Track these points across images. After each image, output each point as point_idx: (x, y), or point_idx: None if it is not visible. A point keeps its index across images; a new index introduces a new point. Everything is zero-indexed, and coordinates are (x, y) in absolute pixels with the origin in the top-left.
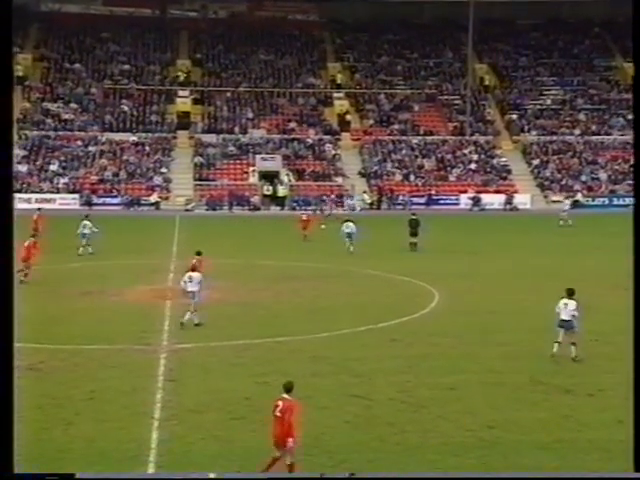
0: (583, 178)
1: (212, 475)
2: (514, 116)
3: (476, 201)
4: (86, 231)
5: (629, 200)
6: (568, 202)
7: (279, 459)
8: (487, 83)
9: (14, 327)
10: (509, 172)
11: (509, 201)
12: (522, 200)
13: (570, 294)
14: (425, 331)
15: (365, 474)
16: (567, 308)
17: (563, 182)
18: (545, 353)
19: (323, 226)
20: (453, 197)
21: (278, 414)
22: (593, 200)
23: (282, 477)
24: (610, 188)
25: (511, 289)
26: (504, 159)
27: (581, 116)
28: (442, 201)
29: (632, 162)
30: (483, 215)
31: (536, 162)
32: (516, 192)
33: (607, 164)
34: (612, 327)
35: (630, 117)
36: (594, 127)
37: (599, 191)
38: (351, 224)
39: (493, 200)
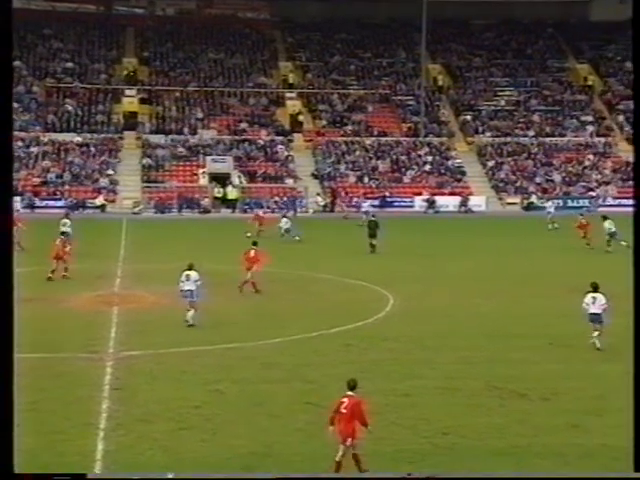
0: (537, 180)
1: (221, 475)
2: (468, 117)
3: (431, 203)
4: (66, 229)
5: (582, 202)
6: (552, 205)
7: (345, 456)
8: (441, 83)
9: (14, 327)
10: (464, 174)
11: (464, 203)
12: (477, 202)
13: (595, 288)
14: (380, 336)
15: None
16: (596, 302)
17: (518, 184)
18: (501, 358)
19: (249, 234)
20: (407, 199)
21: (344, 411)
22: (547, 202)
23: (290, 477)
24: (564, 190)
25: (467, 293)
26: (459, 160)
27: (535, 117)
28: (396, 203)
29: (632, 161)
30: (438, 217)
31: (491, 164)
32: (471, 194)
33: (561, 166)
34: (566, 330)
35: (583, 119)
36: (548, 129)
37: (553, 193)
38: (285, 219)
39: (448, 202)
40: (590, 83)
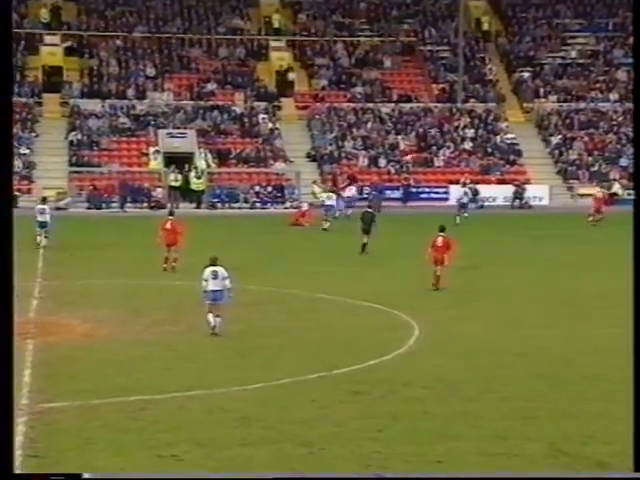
0: (623, 162)
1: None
2: (525, 75)
3: (473, 195)
4: (42, 219)
5: None
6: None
7: None
8: (487, 28)
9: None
10: (519, 154)
11: (519, 195)
12: (537, 193)
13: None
14: (401, 380)
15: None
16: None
17: (595, 168)
18: (570, 410)
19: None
20: (440, 189)
21: None
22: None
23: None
24: None
25: (521, 319)
26: (511, 135)
27: (620, 74)
28: (425, 195)
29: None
30: (482, 214)
31: (557, 140)
32: (528, 182)
33: None
34: None
35: None
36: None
37: None
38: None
39: (496, 193)
40: None
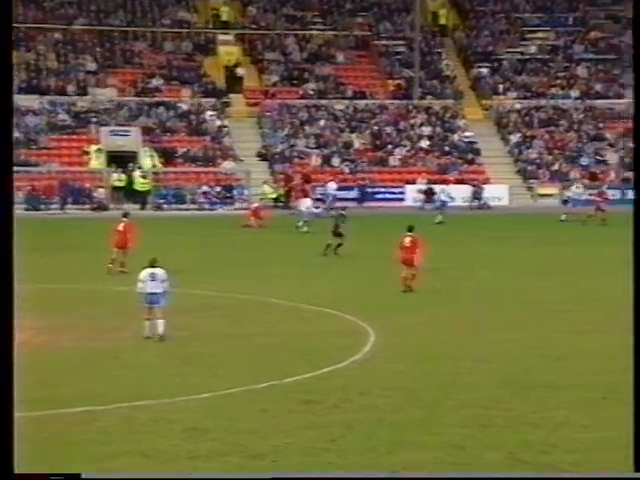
0: (584, 161)
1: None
2: (484, 70)
3: (429, 195)
4: None
5: None
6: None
7: None
8: (444, 22)
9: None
10: (477, 153)
11: (477, 195)
12: (496, 193)
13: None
14: (355, 388)
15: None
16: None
17: (555, 167)
18: (530, 418)
19: None
20: (396, 189)
21: None
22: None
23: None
24: (623, 175)
25: (483, 323)
26: (469, 134)
27: (580, 70)
28: (380, 195)
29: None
30: (439, 215)
31: (516, 138)
32: (487, 182)
33: (618, 140)
34: (628, 378)
35: None
36: (599, 87)
37: (606, 180)
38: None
39: (454, 193)
40: None
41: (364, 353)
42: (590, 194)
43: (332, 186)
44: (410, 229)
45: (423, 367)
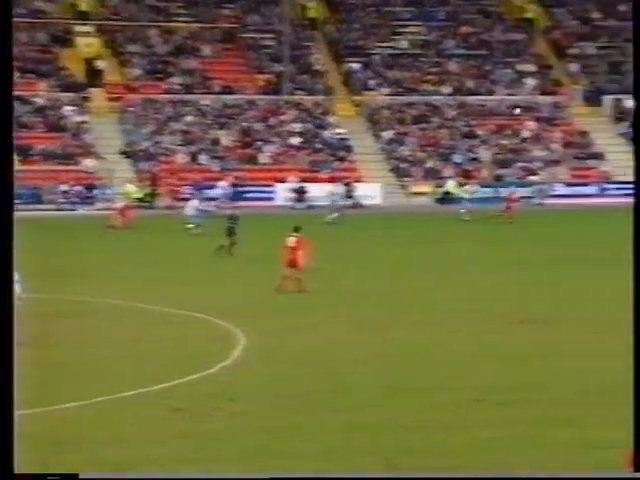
0: (456, 158)
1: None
2: (355, 65)
3: (300, 193)
4: None
5: (522, 190)
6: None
7: None
8: (313, 15)
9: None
10: (349, 150)
11: (349, 193)
12: (369, 192)
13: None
14: (225, 395)
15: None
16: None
17: (428, 164)
18: (404, 421)
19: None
20: (266, 188)
21: None
22: (472, 191)
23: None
24: (496, 172)
25: (356, 325)
26: (341, 130)
27: (452, 66)
28: (250, 194)
29: (632, 159)
30: (311, 214)
31: (388, 135)
32: (360, 180)
33: (490, 137)
34: (505, 380)
35: (520, 68)
36: (470, 83)
37: (479, 177)
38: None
39: (325, 192)
40: (530, 16)
41: (234, 358)
42: (465, 191)
43: (224, 185)
44: (296, 229)
45: (296, 371)
